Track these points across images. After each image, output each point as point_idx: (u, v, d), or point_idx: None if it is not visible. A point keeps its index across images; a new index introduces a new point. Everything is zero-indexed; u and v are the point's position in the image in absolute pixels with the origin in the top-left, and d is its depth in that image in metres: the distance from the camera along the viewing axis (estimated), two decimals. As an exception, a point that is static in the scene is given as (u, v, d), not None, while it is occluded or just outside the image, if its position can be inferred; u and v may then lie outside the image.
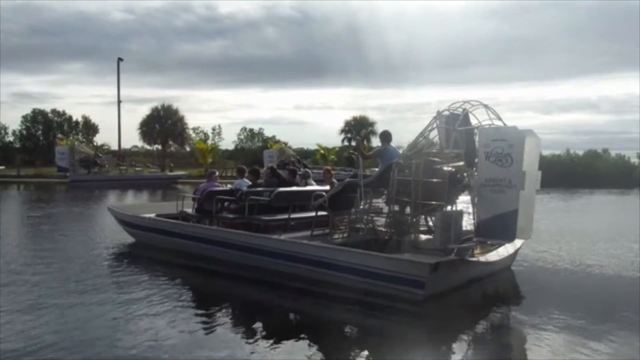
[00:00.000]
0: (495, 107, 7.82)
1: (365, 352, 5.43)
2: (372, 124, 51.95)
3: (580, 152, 42.92)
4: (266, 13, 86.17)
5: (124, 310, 6.29)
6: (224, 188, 10.34)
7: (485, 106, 7.80)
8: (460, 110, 7.73)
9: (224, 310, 6.70)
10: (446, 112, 7.74)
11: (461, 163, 7.76)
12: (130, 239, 11.06)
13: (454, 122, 7.55)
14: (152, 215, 10.70)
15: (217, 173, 11.42)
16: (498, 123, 7.66)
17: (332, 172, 11.57)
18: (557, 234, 12.98)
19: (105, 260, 9.37)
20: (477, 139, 7.52)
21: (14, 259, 9.24)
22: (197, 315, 6.31)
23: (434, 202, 7.44)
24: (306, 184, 10.72)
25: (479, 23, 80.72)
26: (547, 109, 79.68)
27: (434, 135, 7.74)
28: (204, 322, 6.03)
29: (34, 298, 6.75)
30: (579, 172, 37.02)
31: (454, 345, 5.63)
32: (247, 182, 10.13)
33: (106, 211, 13.35)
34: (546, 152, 41.26)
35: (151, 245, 10.35)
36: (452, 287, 7.31)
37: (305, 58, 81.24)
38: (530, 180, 7.06)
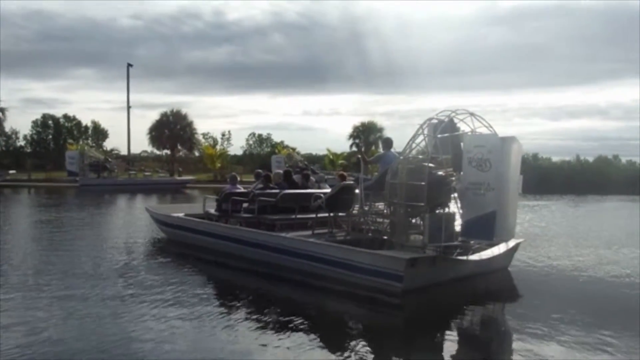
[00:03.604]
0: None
1: (352, 338, 5.89)
2: (380, 130, 51.87)
3: (591, 159, 42.65)
4: (273, 19, 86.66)
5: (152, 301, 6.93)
6: (242, 190, 11.20)
7: (472, 114, 8.27)
8: (450, 118, 8.24)
9: (227, 298, 7.45)
10: (434, 120, 8.29)
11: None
12: (162, 236, 12.40)
13: (443, 130, 8.09)
14: (181, 214, 11.88)
15: (238, 177, 12.30)
16: (483, 130, 8.10)
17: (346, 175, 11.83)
18: (561, 239, 13.23)
19: (140, 253, 10.69)
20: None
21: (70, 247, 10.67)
22: (199, 301, 6.82)
23: (414, 204, 7.92)
24: (319, 188, 11.33)
25: (486, 30, 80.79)
26: (556, 115, 79.38)
27: (419, 140, 8.31)
28: (207, 309, 6.51)
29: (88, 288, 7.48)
30: (589, 179, 36.73)
31: (426, 334, 6.16)
32: (261, 185, 10.92)
33: (133, 212, 15.19)
34: (556, 159, 41.16)
35: (178, 241, 11.58)
36: (435, 282, 7.83)
37: (313, 64, 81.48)
38: (512, 184, 7.55)
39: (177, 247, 11.38)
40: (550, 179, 32.63)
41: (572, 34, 74.56)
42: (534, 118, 78.62)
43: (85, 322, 5.95)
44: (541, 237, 13.43)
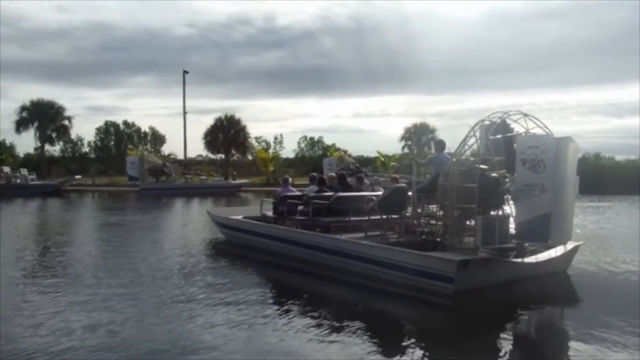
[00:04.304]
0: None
1: (404, 340, 5.97)
2: (432, 131, 50.97)
3: (658, 157, 40.27)
4: (322, 24, 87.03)
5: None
6: (296, 193, 11.51)
7: (525, 115, 8.22)
8: (502, 119, 8.23)
9: (283, 299, 7.62)
10: (487, 122, 8.30)
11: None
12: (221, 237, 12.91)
13: (495, 132, 8.09)
14: (240, 217, 12.26)
15: (290, 179, 12.61)
16: (538, 131, 8.03)
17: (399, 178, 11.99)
18: (625, 241, 12.77)
19: (202, 255, 11.17)
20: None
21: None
22: (257, 302, 7.12)
23: (466, 206, 7.89)
24: (373, 191, 11.51)
25: (541, 25, 77.76)
26: (618, 112, 75.56)
27: (472, 143, 8.30)
28: (261, 310, 6.73)
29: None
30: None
31: (479, 337, 6.10)
32: (315, 187, 11.13)
33: (192, 215, 16.74)
34: (619, 158, 39.21)
35: (237, 243, 12.00)
36: (488, 284, 7.78)
37: (362, 66, 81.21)
38: (568, 185, 7.45)
39: (236, 248, 11.76)
40: (614, 178, 31.19)
41: (631, 28, 70.67)
42: (594, 115, 75.35)
43: (158, 324, 6.20)
44: (605, 239, 12.91)
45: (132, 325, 6.10)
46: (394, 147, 53.64)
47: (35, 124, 46.10)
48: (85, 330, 5.87)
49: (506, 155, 7.99)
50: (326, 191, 10.81)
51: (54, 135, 48.22)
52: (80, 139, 59.36)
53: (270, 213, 11.53)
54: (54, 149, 53.41)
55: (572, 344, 5.80)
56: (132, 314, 6.52)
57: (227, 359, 5.17)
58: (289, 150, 57.82)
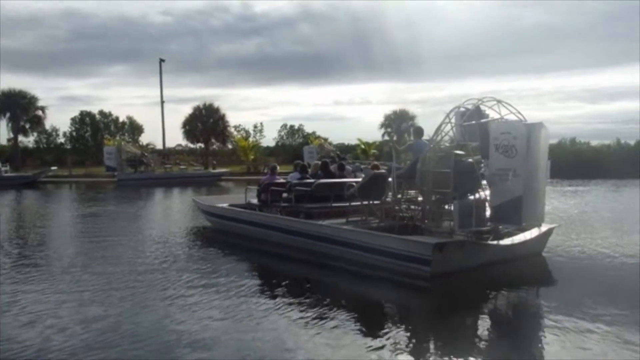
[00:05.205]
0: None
1: (383, 320, 6.17)
2: (412, 118, 51.30)
3: (632, 142, 41.15)
4: (300, 10, 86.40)
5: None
6: (280, 180, 11.63)
7: (499, 101, 8.44)
8: (476, 106, 8.44)
9: (268, 284, 7.86)
10: (462, 109, 8.52)
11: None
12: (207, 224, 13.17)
13: (469, 118, 8.30)
14: (225, 205, 12.46)
15: (278, 167, 12.76)
16: (512, 117, 8.26)
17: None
18: (601, 224, 13.11)
19: (190, 243, 11.46)
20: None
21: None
22: (243, 287, 7.27)
23: (442, 190, 8.14)
24: (355, 177, 11.74)
25: (520, 12, 78.33)
26: (594, 98, 76.58)
27: (447, 129, 8.50)
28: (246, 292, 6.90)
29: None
30: (631, 162, 35.49)
31: (456, 318, 6.36)
32: (298, 175, 11.36)
33: (175, 205, 17.39)
34: (595, 143, 39.91)
35: (223, 230, 12.24)
36: (466, 267, 8.01)
37: (342, 53, 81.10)
38: (540, 169, 7.70)
39: (221, 235, 12.02)
40: (590, 163, 31.82)
41: (607, 14, 71.75)
42: (570, 101, 76.30)
43: (151, 314, 6.22)
44: (580, 222, 13.24)
45: (123, 319, 6.05)
46: (374, 134, 53.63)
47: (7, 115, 45.07)
48: (76, 324, 5.84)
49: (481, 141, 8.20)
50: (308, 178, 11.03)
51: (27, 126, 47.23)
52: (56, 130, 58.10)
53: (254, 200, 11.73)
54: (28, 140, 52.44)
55: (547, 322, 6.00)
56: (122, 306, 6.52)
57: (212, 342, 5.29)
58: (269, 139, 57.52)
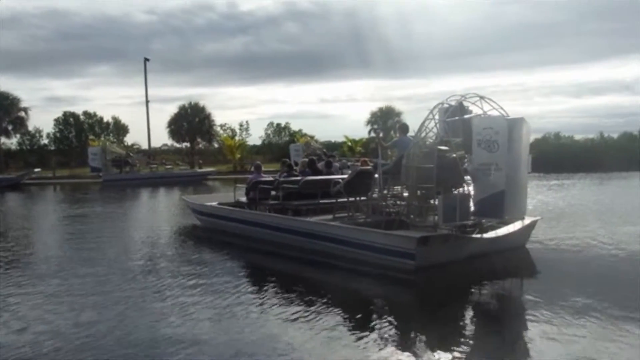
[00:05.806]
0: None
1: (370, 313, 6.32)
2: (398, 114, 51.53)
3: (615, 135, 41.75)
4: (286, 9, 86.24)
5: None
6: (268, 179, 11.76)
7: (481, 97, 8.55)
8: (459, 102, 8.57)
9: (255, 281, 8.00)
10: (445, 105, 8.65)
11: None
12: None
13: (452, 114, 8.43)
14: (214, 203, 12.57)
15: (262, 166, 12.86)
16: (494, 113, 8.36)
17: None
18: (585, 216, 13.42)
19: (180, 241, 11.60)
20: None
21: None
22: (229, 285, 7.38)
23: (426, 186, 8.28)
24: (342, 174, 11.84)
25: (505, 8, 78.99)
26: (578, 92, 77.44)
27: (431, 126, 8.64)
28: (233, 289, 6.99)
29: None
30: (614, 156, 35.97)
31: (441, 310, 6.52)
32: (285, 173, 11.49)
33: (163, 204, 17.66)
34: (579, 137, 40.49)
35: (213, 228, 12.31)
36: (450, 260, 8.14)
37: (327, 51, 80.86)
38: (521, 164, 7.87)
39: (211, 233, 12.11)
40: (574, 157, 32.22)
41: (591, 10, 72.61)
42: (555, 96, 77.23)
43: (147, 316, 6.20)
44: (568, 215, 13.44)
45: (113, 319, 6.05)
46: (361, 131, 53.90)
47: (-11, 116, 44.45)
48: (68, 327, 5.80)
49: (464, 137, 8.35)
50: (295, 176, 11.13)
51: (10, 127, 46.60)
52: (39, 131, 57.37)
53: (243, 199, 11.82)
54: (11, 142, 51.71)
55: (530, 313, 6.13)
56: (114, 307, 6.50)
57: (203, 340, 5.35)
58: (255, 137, 57.35)
